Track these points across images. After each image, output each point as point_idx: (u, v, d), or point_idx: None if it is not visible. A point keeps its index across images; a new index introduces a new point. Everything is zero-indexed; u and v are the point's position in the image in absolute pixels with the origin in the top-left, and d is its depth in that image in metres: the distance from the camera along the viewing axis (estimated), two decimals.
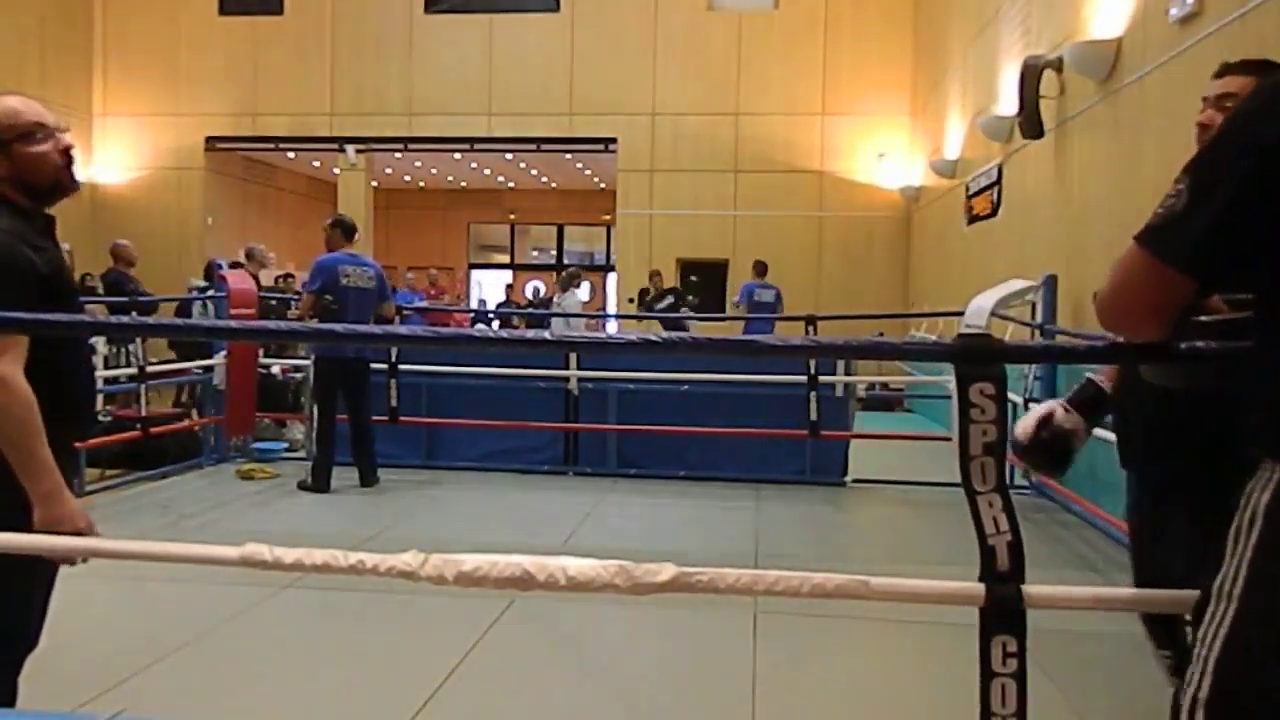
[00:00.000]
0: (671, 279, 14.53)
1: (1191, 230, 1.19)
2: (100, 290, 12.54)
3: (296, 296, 8.72)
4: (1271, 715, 1.09)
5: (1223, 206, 1.16)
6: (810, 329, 7.07)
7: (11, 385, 1.91)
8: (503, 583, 1.66)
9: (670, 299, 11.47)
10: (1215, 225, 1.17)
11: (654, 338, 1.69)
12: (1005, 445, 1.58)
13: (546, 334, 1.82)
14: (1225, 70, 2.06)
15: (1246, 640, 1.12)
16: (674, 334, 1.70)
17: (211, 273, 10.46)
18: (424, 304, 12.59)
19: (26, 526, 1.93)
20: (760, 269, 11.87)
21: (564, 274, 11.81)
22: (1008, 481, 1.58)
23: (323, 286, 6.12)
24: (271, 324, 2.53)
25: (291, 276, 12.67)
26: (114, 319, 2.56)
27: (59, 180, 2.13)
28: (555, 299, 12.19)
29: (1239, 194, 1.15)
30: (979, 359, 1.57)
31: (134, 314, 6.67)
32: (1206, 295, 1.30)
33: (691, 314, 11.32)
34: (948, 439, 6.86)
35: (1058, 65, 7.17)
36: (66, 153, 2.13)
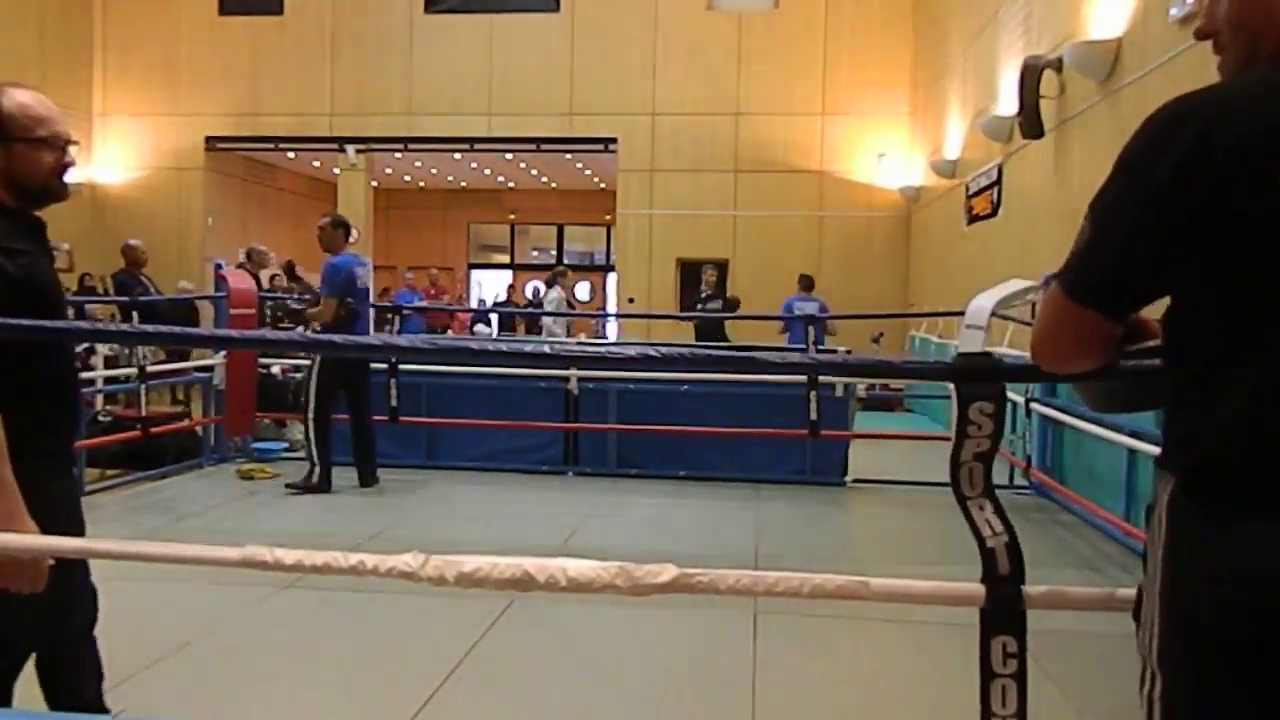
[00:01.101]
0: (673, 280, 14.52)
1: (1096, 270, 1.24)
2: (100, 290, 12.57)
3: (286, 294, 8.74)
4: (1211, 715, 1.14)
5: (1122, 246, 1.20)
6: (810, 329, 7.08)
7: None
8: (503, 584, 1.66)
9: (719, 303, 11.36)
10: (1117, 264, 1.21)
11: (653, 352, 1.70)
12: (995, 454, 1.61)
13: (546, 348, 1.83)
14: None
15: (1172, 641, 1.18)
16: (674, 349, 1.70)
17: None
18: (424, 304, 12.58)
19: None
20: (805, 283, 11.54)
21: (550, 273, 12.05)
22: (1011, 481, 1.59)
23: (344, 290, 6.22)
24: (270, 333, 2.54)
25: (291, 276, 12.64)
26: (90, 325, 2.56)
27: (49, 186, 2.08)
28: (540, 296, 12.49)
29: (1135, 233, 1.19)
30: (979, 378, 1.59)
31: (135, 315, 6.69)
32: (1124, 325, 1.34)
33: (726, 314, 11.18)
34: (948, 439, 6.84)
35: (1058, 65, 7.17)
36: (65, 166, 2.09)
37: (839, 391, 6.92)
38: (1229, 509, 1.12)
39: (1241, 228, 1.12)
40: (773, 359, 1.77)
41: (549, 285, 12.34)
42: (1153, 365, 1.40)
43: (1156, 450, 4.21)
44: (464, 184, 20.10)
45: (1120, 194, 1.21)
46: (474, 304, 19.02)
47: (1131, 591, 1.74)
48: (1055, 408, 6.19)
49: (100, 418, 6.89)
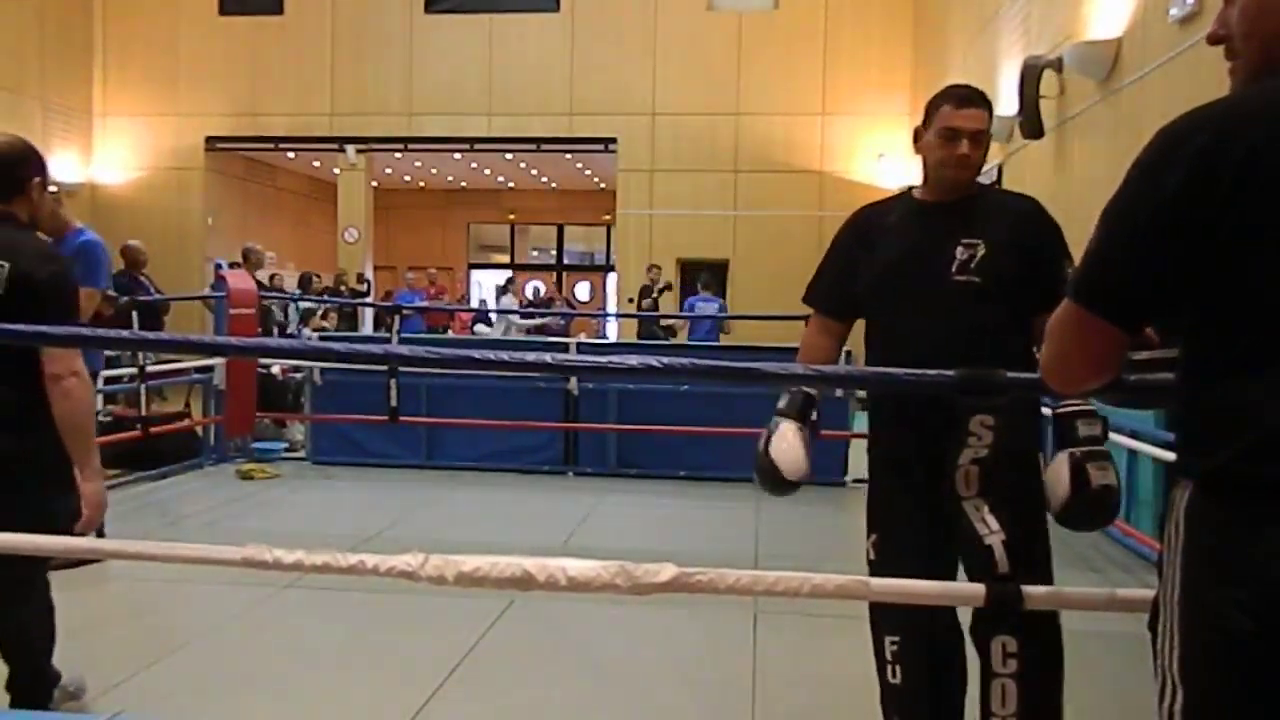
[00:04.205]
0: (673, 280, 14.48)
1: (1105, 275, 1.24)
2: None
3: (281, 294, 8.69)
4: None
5: (1132, 254, 1.21)
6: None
7: (87, 379, 2.25)
8: (503, 583, 1.66)
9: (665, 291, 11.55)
10: (1126, 270, 1.22)
11: (655, 363, 1.71)
12: (991, 460, 1.61)
13: (548, 357, 1.84)
14: (970, 103, 2.31)
15: (1195, 651, 1.15)
16: (676, 359, 1.72)
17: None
18: (424, 304, 12.59)
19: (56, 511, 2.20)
20: (704, 282, 11.66)
21: (505, 280, 12.90)
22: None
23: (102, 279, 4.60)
24: (272, 341, 2.55)
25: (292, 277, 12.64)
26: (91, 330, 2.64)
27: None
28: (495, 299, 13.79)
29: (1146, 240, 1.20)
30: (982, 392, 1.60)
31: (135, 317, 6.66)
32: (1136, 334, 1.34)
33: (688, 315, 11.23)
34: None
35: (1058, 65, 7.17)
36: None
37: (839, 391, 6.92)
38: (1256, 512, 1.10)
39: (1261, 234, 1.12)
40: (775, 370, 1.78)
41: (501, 292, 13.53)
42: (1162, 379, 1.39)
43: (1157, 450, 4.22)
44: (464, 184, 20.08)
45: (1131, 202, 1.22)
46: (475, 303, 19.03)
47: (1132, 592, 1.75)
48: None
49: (100, 418, 6.89)
